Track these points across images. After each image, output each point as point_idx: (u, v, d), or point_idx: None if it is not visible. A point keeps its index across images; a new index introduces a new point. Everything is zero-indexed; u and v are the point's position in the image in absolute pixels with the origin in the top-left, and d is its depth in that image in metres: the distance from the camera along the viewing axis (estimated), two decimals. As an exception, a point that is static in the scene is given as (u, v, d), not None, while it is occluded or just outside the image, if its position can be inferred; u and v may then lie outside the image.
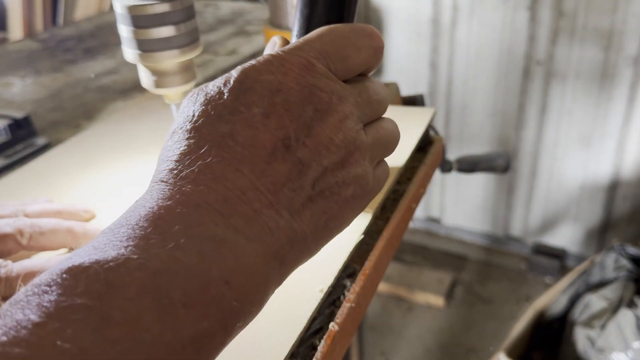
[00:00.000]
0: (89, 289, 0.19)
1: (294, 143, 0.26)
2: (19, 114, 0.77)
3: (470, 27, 1.72)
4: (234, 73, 0.27)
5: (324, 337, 0.38)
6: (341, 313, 0.40)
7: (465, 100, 1.83)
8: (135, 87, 0.94)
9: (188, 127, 0.26)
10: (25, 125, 0.76)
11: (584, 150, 1.73)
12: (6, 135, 0.74)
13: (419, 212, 2.12)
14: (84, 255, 0.21)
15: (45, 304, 0.19)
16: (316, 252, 0.28)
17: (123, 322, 0.19)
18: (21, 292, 0.20)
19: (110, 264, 0.20)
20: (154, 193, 0.24)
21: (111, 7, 1.56)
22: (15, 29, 1.41)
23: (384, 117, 0.31)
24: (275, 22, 0.67)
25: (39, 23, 1.45)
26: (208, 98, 0.27)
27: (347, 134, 0.28)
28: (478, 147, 1.88)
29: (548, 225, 1.91)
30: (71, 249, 0.47)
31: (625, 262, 1.36)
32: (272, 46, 0.32)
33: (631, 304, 1.27)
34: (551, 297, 1.45)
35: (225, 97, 0.26)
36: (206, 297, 0.21)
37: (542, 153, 1.80)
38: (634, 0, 1.49)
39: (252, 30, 1.24)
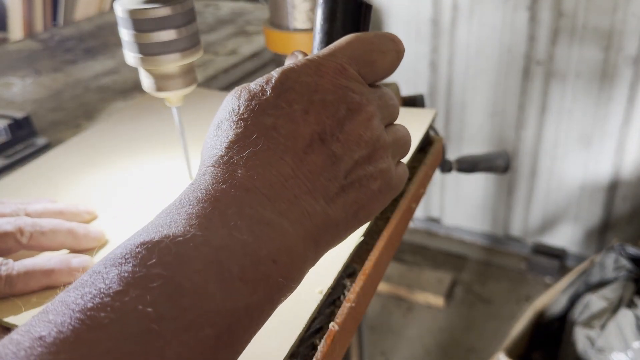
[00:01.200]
0: (162, 260, 0.22)
1: (329, 137, 0.29)
2: (19, 114, 0.77)
3: (470, 27, 1.72)
4: (275, 74, 0.30)
5: (324, 336, 0.38)
6: (341, 313, 0.41)
7: (465, 100, 1.84)
8: (135, 87, 0.94)
9: (235, 119, 0.29)
10: (25, 125, 0.77)
11: (584, 150, 1.73)
12: (6, 135, 0.74)
13: (419, 212, 2.12)
14: (152, 232, 0.23)
15: (123, 274, 0.21)
16: (344, 239, 0.31)
17: (193, 292, 0.22)
18: (98, 265, 0.22)
19: (179, 238, 0.23)
20: (207, 177, 0.27)
21: (111, 7, 1.56)
22: (16, 29, 1.41)
23: (396, 123, 0.35)
24: (276, 22, 0.67)
25: (39, 23, 1.45)
26: (252, 94, 0.29)
27: (373, 132, 0.31)
28: (478, 147, 1.88)
29: (548, 225, 1.91)
30: (72, 250, 0.47)
31: (625, 262, 1.36)
32: (294, 58, 0.34)
33: (631, 304, 1.27)
34: (551, 297, 1.45)
35: (267, 94, 0.29)
36: (258, 273, 0.24)
37: (542, 153, 1.80)
38: (634, 0, 1.49)
39: (252, 31, 1.24)
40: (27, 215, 0.47)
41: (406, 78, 1.88)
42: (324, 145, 0.29)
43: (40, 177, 0.59)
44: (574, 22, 1.58)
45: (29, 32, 1.43)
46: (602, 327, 1.26)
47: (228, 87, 1.00)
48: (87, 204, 0.53)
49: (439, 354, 1.65)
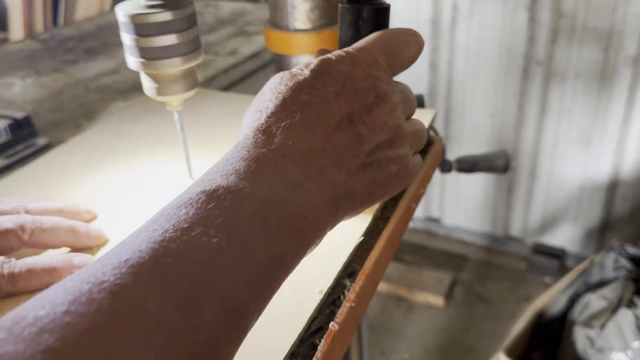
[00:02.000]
0: (219, 205, 0.26)
1: (357, 120, 0.33)
2: (19, 114, 0.77)
3: (470, 27, 1.73)
4: (314, 61, 0.34)
5: (324, 336, 0.38)
6: (341, 313, 0.41)
7: (464, 100, 1.84)
8: (135, 88, 0.95)
9: (276, 94, 0.33)
10: (25, 125, 0.77)
11: (584, 150, 1.73)
12: (7, 135, 0.74)
13: (419, 212, 2.12)
14: (207, 183, 0.27)
15: (188, 214, 0.25)
16: (359, 213, 0.34)
17: (244, 233, 0.26)
18: (164, 209, 0.26)
19: (232, 188, 0.27)
20: (249, 141, 0.31)
21: (112, 8, 1.56)
22: (16, 29, 1.42)
23: (414, 118, 0.38)
24: (276, 23, 0.67)
25: (39, 23, 1.46)
26: (292, 75, 0.34)
27: (396, 120, 0.35)
28: (478, 147, 1.88)
29: (548, 225, 1.91)
30: (72, 248, 0.47)
31: (624, 262, 1.36)
32: (324, 52, 0.38)
33: (631, 304, 1.27)
34: (551, 297, 1.45)
35: (306, 76, 0.33)
36: (292, 225, 0.28)
37: (542, 153, 1.80)
38: (634, 1, 1.49)
39: (252, 31, 1.24)
40: (27, 212, 0.48)
41: (406, 78, 1.88)
42: (352, 126, 0.33)
43: (41, 178, 0.59)
44: (574, 22, 1.58)
45: (30, 32, 1.43)
46: (602, 327, 1.26)
47: (228, 87, 1.01)
48: (87, 203, 0.53)
49: (439, 353, 1.65)
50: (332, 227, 0.32)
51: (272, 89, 0.33)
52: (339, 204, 0.32)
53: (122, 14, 0.45)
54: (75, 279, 0.22)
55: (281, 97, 0.32)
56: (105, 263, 0.23)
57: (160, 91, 0.50)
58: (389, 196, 0.36)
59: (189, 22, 0.47)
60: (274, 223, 0.27)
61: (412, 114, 0.38)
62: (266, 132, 0.31)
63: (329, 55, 0.35)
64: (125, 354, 0.20)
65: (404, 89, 0.37)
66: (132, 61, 0.48)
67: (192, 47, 0.48)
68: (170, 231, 0.24)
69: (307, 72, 0.33)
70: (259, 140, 0.31)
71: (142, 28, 0.45)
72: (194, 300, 0.23)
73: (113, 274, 0.22)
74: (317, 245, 0.31)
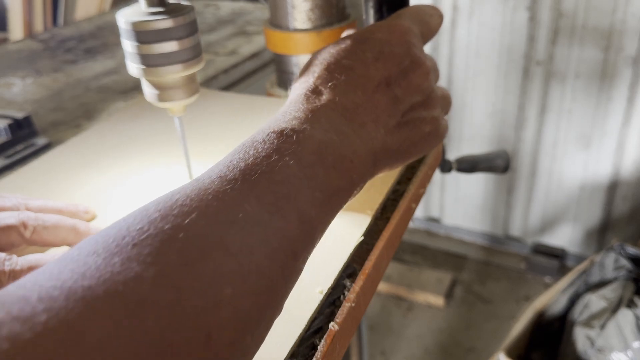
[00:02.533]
0: (288, 140, 0.30)
1: (393, 82, 0.37)
2: (19, 114, 0.77)
3: (470, 27, 1.73)
4: (355, 31, 0.39)
5: (324, 336, 0.38)
6: (341, 313, 0.41)
7: (465, 100, 1.84)
8: (135, 88, 0.95)
9: (322, 61, 0.37)
10: (25, 125, 0.77)
11: (584, 150, 1.73)
12: (7, 135, 0.74)
13: (419, 212, 2.12)
14: (274, 125, 0.32)
15: (264, 147, 0.30)
16: (395, 168, 0.39)
17: (308, 165, 0.30)
18: (240, 147, 0.30)
19: (297, 128, 0.31)
20: (301, 98, 0.35)
21: (111, 8, 1.56)
22: (16, 29, 1.42)
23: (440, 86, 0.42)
24: (276, 22, 0.67)
25: (39, 23, 1.46)
26: (336, 44, 0.38)
27: (429, 84, 0.38)
28: (478, 147, 1.88)
29: (547, 225, 1.91)
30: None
31: (624, 262, 1.36)
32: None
33: (631, 304, 1.27)
34: (551, 297, 1.45)
35: (347, 44, 0.37)
36: (343, 165, 0.32)
37: (542, 153, 1.80)
38: (634, 0, 1.49)
39: (253, 31, 1.24)
40: (28, 209, 0.48)
41: (406, 78, 1.88)
42: (389, 88, 0.36)
43: (41, 177, 0.59)
44: (574, 22, 1.58)
45: (29, 32, 1.43)
46: (602, 327, 1.26)
47: (228, 87, 1.01)
48: (86, 203, 0.53)
49: (439, 353, 1.65)
50: (370, 178, 0.36)
51: (319, 58, 0.37)
52: (377, 156, 0.35)
53: (123, 20, 0.45)
54: (181, 187, 0.27)
55: (326, 63, 0.37)
56: (202, 179, 0.28)
57: (161, 97, 0.50)
58: (421, 154, 0.39)
59: (190, 29, 0.47)
60: (330, 160, 0.31)
61: (437, 81, 0.41)
62: (315, 90, 0.35)
63: (368, 26, 0.39)
64: (232, 239, 0.25)
65: (431, 58, 0.41)
66: (133, 68, 0.48)
67: (193, 54, 0.48)
68: (252, 158, 0.29)
69: (349, 41, 0.38)
70: (310, 97, 0.35)
71: (143, 35, 0.45)
72: (278, 209, 0.27)
73: (211, 183, 0.27)
74: (358, 192, 0.35)
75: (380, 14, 0.44)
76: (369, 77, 0.36)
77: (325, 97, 0.35)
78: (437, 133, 0.39)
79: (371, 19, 0.45)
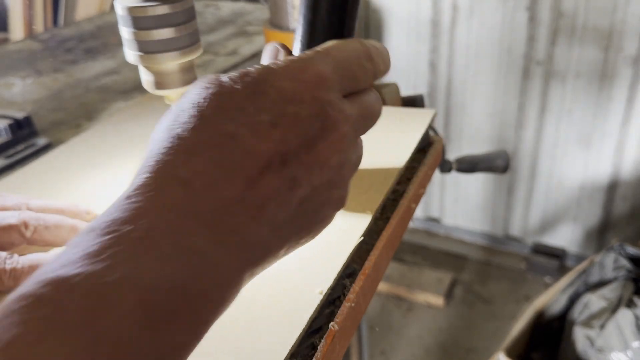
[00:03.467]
0: (82, 304, 0.19)
1: (292, 158, 0.26)
2: (20, 114, 0.77)
3: (470, 27, 1.73)
4: (253, 72, 0.27)
5: (324, 336, 0.39)
6: (341, 313, 0.41)
7: (464, 100, 1.84)
8: (136, 88, 0.95)
9: (194, 113, 0.25)
10: (26, 125, 0.77)
11: (584, 151, 1.73)
12: (7, 135, 0.74)
13: (419, 212, 2.12)
14: (69, 267, 0.20)
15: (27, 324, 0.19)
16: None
17: (115, 340, 0.19)
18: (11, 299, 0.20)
19: (107, 279, 0.20)
20: (140, 190, 0.23)
21: (112, 8, 1.56)
22: (16, 29, 1.42)
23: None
24: (276, 23, 0.67)
25: (39, 23, 1.46)
26: (221, 90, 0.26)
27: (341, 156, 0.28)
28: (477, 147, 1.88)
29: (547, 225, 1.91)
30: None
31: (624, 262, 1.36)
32: (274, 53, 0.32)
33: (630, 304, 1.27)
34: (551, 297, 1.45)
35: (238, 93, 0.26)
36: (187, 311, 0.22)
37: (542, 153, 1.80)
38: (634, 0, 1.49)
39: (253, 31, 1.24)
40: (29, 209, 0.48)
41: (406, 78, 1.88)
42: (285, 167, 0.25)
43: (41, 178, 0.59)
44: (574, 22, 1.58)
45: (30, 33, 1.43)
46: (602, 327, 1.26)
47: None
48: (87, 204, 0.53)
49: (439, 353, 1.65)
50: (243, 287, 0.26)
51: (194, 105, 0.25)
52: (256, 267, 0.26)
53: (120, 7, 0.45)
54: None
55: (199, 122, 0.25)
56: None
57: (158, 85, 0.50)
58: (311, 239, 0.29)
59: (187, 15, 0.47)
60: (160, 316, 0.21)
61: (367, 131, 0.31)
62: (170, 175, 0.24)
63: (272, 66, 0.27)
64: None
65: (361, 107, 0.30)
66: (131, 55, 0.48)
67: (190, 41, 0.48)
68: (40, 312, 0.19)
69: (239, 88, 0.26)
70: (158, 189, 0.23)
71: (140, 21, 0.45)
72: None
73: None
74: (223, 312, 0.25)
75: (314, 12, 0.32)
76: (258, 152, 0.25)
77: (183, 193, 0.23)
78: (339, 209, 0.29)
79: (302, 19, 0.33)
